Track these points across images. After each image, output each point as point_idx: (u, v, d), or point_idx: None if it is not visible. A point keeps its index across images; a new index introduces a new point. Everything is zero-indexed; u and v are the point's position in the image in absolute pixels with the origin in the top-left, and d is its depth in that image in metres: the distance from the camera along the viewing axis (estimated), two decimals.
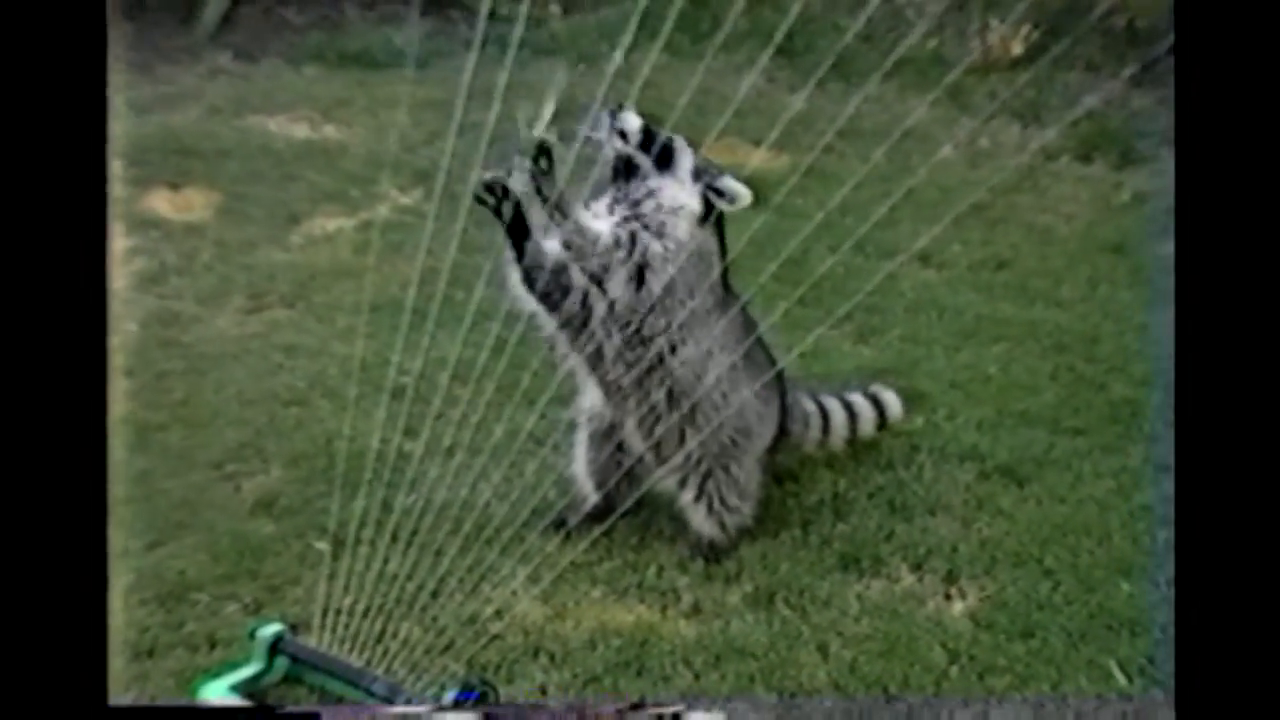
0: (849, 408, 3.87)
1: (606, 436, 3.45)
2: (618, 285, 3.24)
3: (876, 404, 3.92)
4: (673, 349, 3.28)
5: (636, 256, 3.23)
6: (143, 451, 3.71)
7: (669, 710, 2.78)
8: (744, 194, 3.27)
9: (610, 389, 3.34)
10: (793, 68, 7.13)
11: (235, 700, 2.77)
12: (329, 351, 4.36)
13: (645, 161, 3.31)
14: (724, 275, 3.36)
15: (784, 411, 3.59)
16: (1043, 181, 6.18)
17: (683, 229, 3.27)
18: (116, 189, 5.16)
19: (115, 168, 5.22)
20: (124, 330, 4.39)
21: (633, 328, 3.26)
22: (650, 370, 3.28)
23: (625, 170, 3.33)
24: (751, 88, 6.47)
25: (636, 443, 3.40)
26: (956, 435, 4.00)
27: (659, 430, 3.35)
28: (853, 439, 3.89)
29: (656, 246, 3.24)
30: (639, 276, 3.24)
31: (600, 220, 3.28)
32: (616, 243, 3.23)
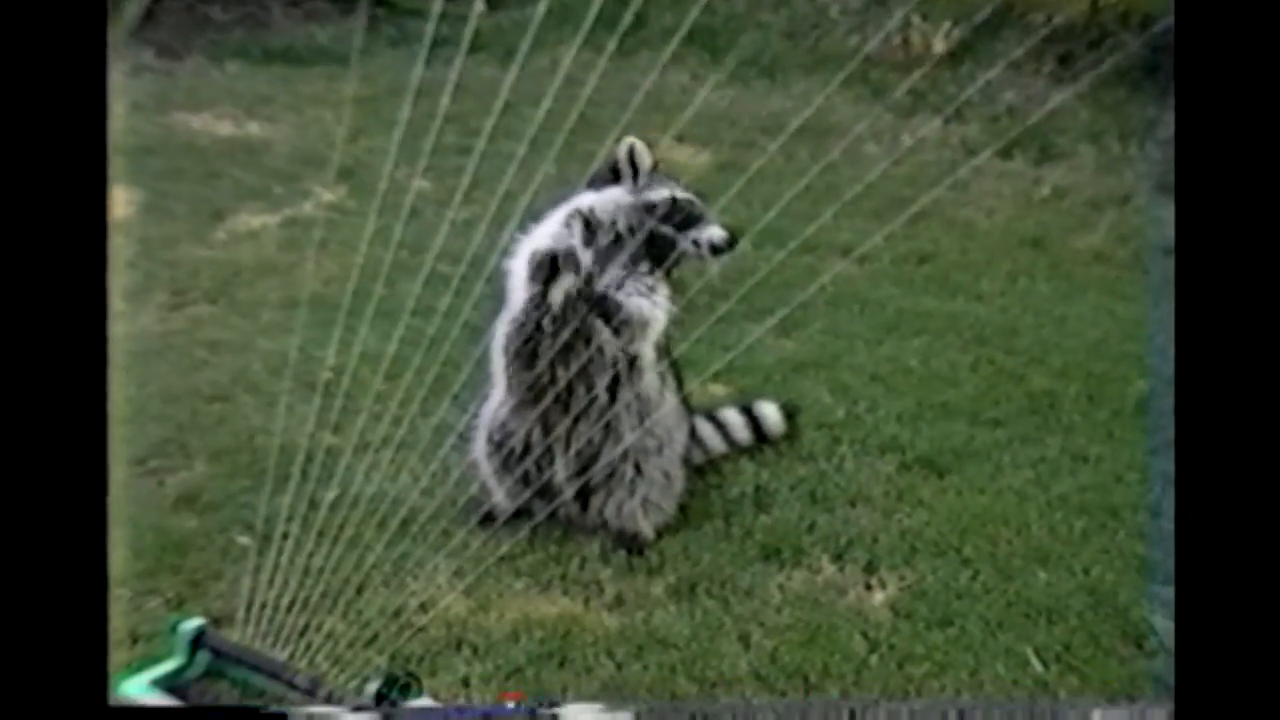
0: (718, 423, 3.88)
1: (509, 445, 3.42)
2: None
3: (752, 418, 3.91)
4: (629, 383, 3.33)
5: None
6: None
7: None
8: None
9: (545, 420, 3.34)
10: (716, 65, 7.18)
11: (155, 697, 2.76)
12: (252, 347, 4.35)
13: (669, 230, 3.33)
14: None
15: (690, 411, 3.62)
16: (963, 176, 6.24)
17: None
18: None
19: None
20: None
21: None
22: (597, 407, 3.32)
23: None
24: (675, 84, 6.51)
25: (561, 468, 3.39)
26: (877, 427, 4.04)
27: (588, 451, 3.37)
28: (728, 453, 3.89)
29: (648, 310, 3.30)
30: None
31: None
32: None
